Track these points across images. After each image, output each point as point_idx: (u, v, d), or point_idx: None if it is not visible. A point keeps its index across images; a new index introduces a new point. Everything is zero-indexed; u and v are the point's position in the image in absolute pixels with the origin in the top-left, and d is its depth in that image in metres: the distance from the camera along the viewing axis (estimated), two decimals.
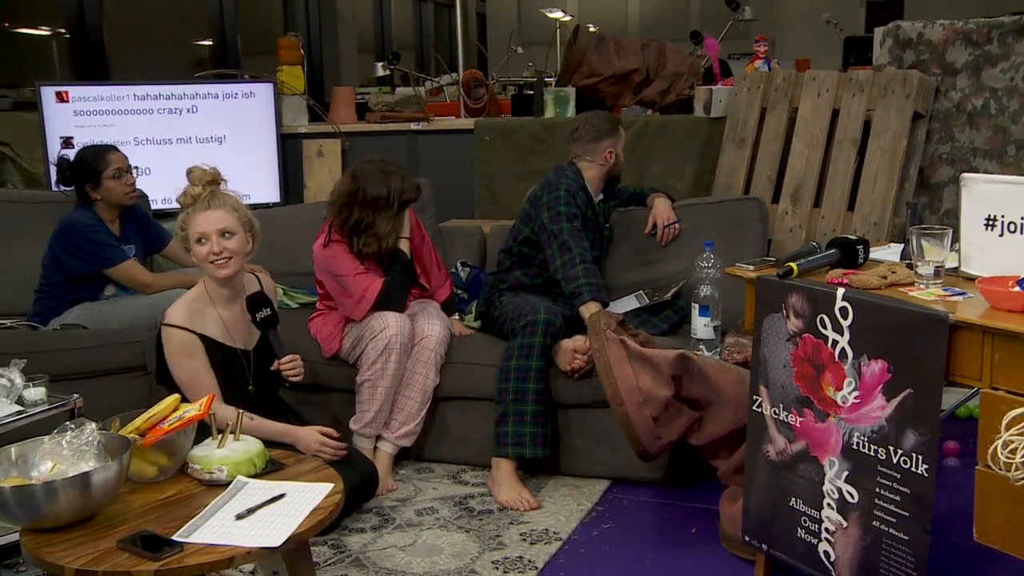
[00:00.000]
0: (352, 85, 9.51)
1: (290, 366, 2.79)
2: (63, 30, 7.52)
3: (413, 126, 4.82)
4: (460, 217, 4.67)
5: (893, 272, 2.28)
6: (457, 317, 3.57)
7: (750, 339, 3.02)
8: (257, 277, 2.86)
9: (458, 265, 3.98)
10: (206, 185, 2.62)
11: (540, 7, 12.18)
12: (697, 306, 3.12)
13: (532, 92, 4.90)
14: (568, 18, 11.65)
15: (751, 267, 2.48)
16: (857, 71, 4.00)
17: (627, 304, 3.44)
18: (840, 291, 2.20)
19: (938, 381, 2.01)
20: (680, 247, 3.66)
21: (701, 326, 3.12)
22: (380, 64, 7.75)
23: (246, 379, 2.75)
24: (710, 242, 3.16)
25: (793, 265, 2.34)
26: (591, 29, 4.85)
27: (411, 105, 5.00)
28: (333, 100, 5.00)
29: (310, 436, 2.71)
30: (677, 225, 3.63)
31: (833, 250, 2.43)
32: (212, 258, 2.59)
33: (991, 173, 3.87)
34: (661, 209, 3.65)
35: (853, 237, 2.45)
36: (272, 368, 2.79)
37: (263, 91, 4.73)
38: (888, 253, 2.62)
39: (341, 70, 11.41)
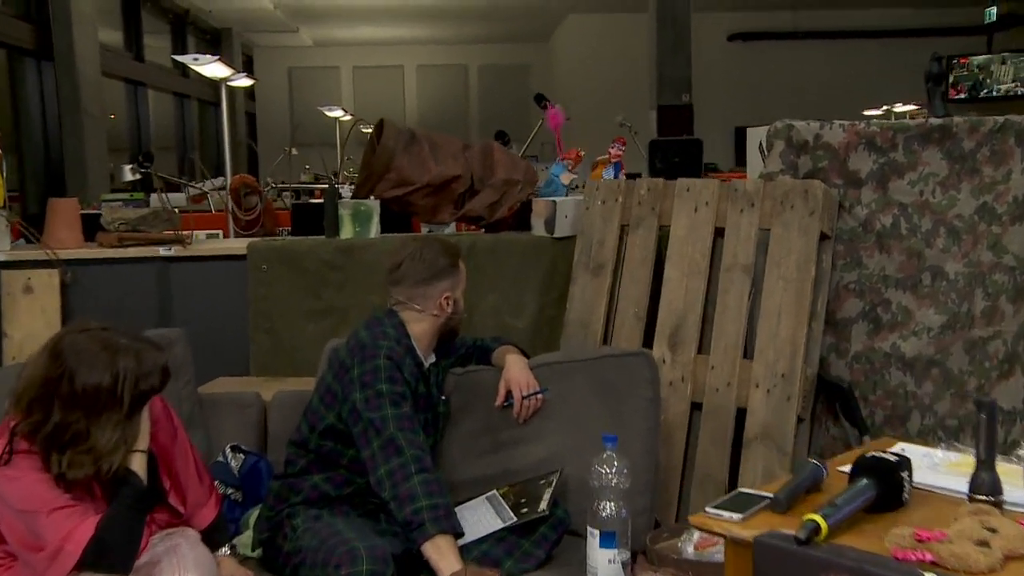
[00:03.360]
0: (100, 192, 8.07)
1: None
2: None
3: (164, 251, 3.61)
4: (231, 373, 3.47)
5: (992, 529, 1.34)
6: (227, 551, 2.37)
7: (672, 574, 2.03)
8: None
9: (227, 451, 2.80)
10: None
11: (314, 105, 11.19)
12: (597, 533, 2.08)
13: (319, 201, 3.81)
14: (348, 117, 10.69)
15: (735, 515, 1.48)
16: (742, 180, 3.19)
17: (483, 521, 2.37)
18: None
19: None
20: (544, 422, 2.65)
21: (604, 562, 2.08)
22: (128, 167, 6.46)
23: None
24: (611, 437, 2.15)
25: (819, 519, 1.36)
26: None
27: (161, 223, 3.79)
28: (49, 216, 3.70)
29: None
30: (540, 395, 2.62)
31: (864, 481, 1.48)
32: None
33: (904, 305, 3.13)
34: (516, 372, 2.62)
35: (889, 456, 1.51)
36: None
37: None
38: (925, 470, 1.68)
39: (88, 173, 9.86)
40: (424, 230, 5.22)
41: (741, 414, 3.02)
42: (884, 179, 3.12)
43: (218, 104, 15.93)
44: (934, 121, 3.09)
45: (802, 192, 3.01)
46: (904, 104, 10.44)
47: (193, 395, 2.89)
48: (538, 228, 3.56)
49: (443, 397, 2.63)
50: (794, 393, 2.92)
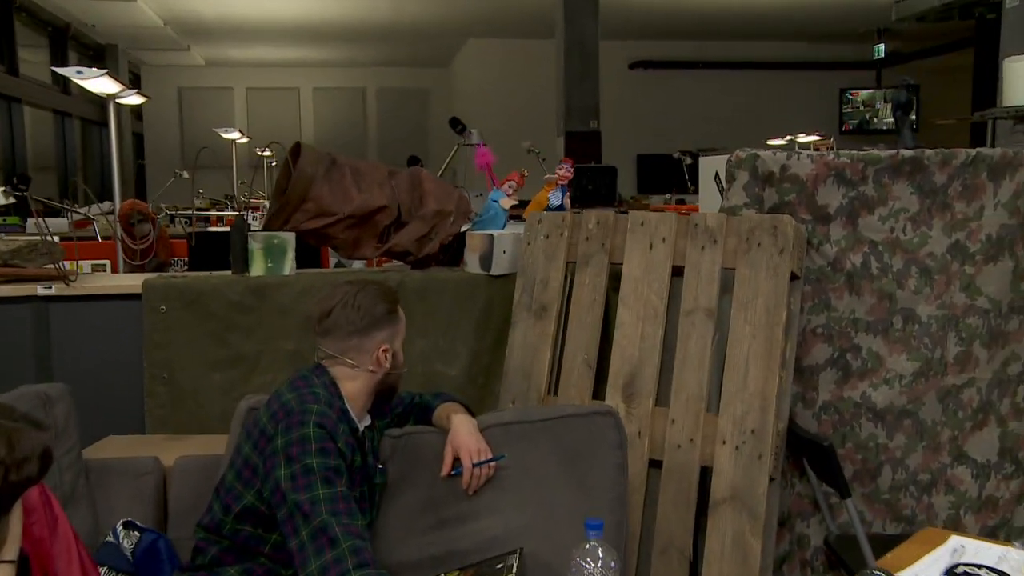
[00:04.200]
0: None
1: None
2: None
3: (42, 289, 3.13)
4: (123, 432, 3.01)
5: None
6: None
7: None
8: None
9: (118, 529, 2.37)
10: None
11: (206, 127, 10.61)
12: None
13: (222, 230, 3.38)
14: (245, 139, 10.15)
15: None
16: (701, 214, 2.89)
17: None
18: None
19: None
20: (498, 493, 2.29)
21: None
22: (1, 189, 5.86)
23: None
24: (596, 523, 1.80)
25: None
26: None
27: (39, 256, 3.31)
28: None
29: None
30: (493, 464, 2.26)
31: None
32: None
33: (875, 351, 2.89)
34: (465, 436, 2.26)
35: (985, 573, 1.21)
36: None
37: None
38: None
39: None
40: (332, 263, 4.82)
41: (706, 473, 2.73)
42: (854, 214, 2.88)
43: (103, 124, 15.15)
44: (905, 153, 2.88)
45: (770, 228, 2.75)
46: (807, 135, 10.48)
47: (77, 463, 2.44)
48: (472, 265, 3.22)
49: (379, 466, 2.26)
50: (766, 451, 2.63)
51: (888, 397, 2.90)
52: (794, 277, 2.76)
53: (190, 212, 6.18)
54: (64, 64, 13.41)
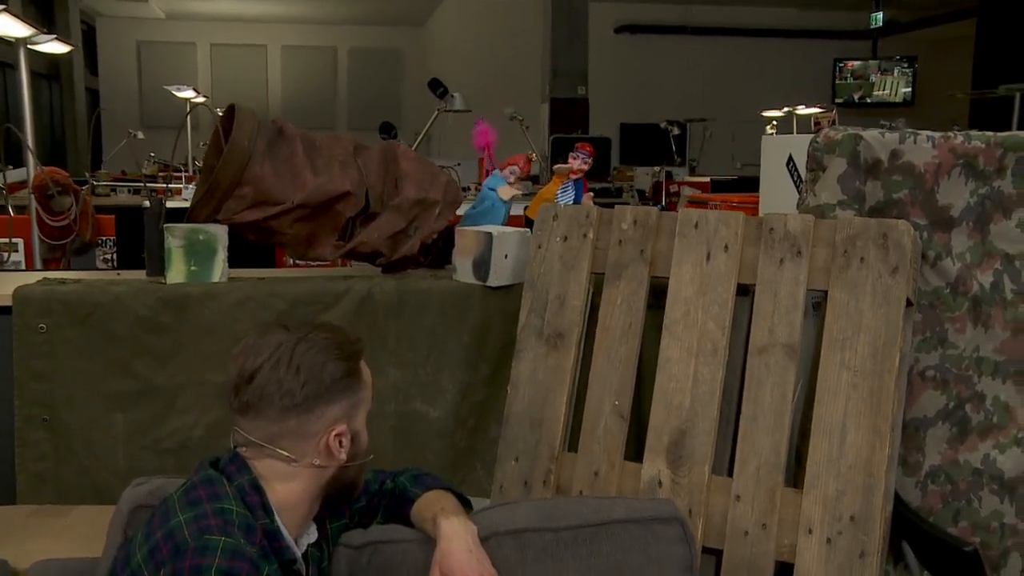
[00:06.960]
0: None
1: None
2: None
3: None
4: None
5: None
6: None
7: None
8: None
9: None
10: None
11: (170, 84, 9.66)
12: None
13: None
14: (201, 99, 9.22)
15: None
16: (783, 216, 2.12)
17: None
18: None
19: None
20: None
21: None
22: None
23: None
24: None
25: None
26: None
27: None
28: None
29: None
30: None
31: None
32: None
33: (1004, 401, 2.16)
34: (460, 557, 1.49)
35: None
36: None
37: None
38: None
39: None
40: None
41: (784, 571, 2.00)
42: (984, 218, 2.13)
43: (53, 77, 14.10)
44: None
45: (879, 237, 1.99)
46: (807, 107, 9.67)
47: None
48: (463, 272, 2.44)
49: None
50: (871, 547, 1.90)
51: (1020, 463, 2.16)
52: (907, 304, 2.01)
53: (123, 183, 5.34)
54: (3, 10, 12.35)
